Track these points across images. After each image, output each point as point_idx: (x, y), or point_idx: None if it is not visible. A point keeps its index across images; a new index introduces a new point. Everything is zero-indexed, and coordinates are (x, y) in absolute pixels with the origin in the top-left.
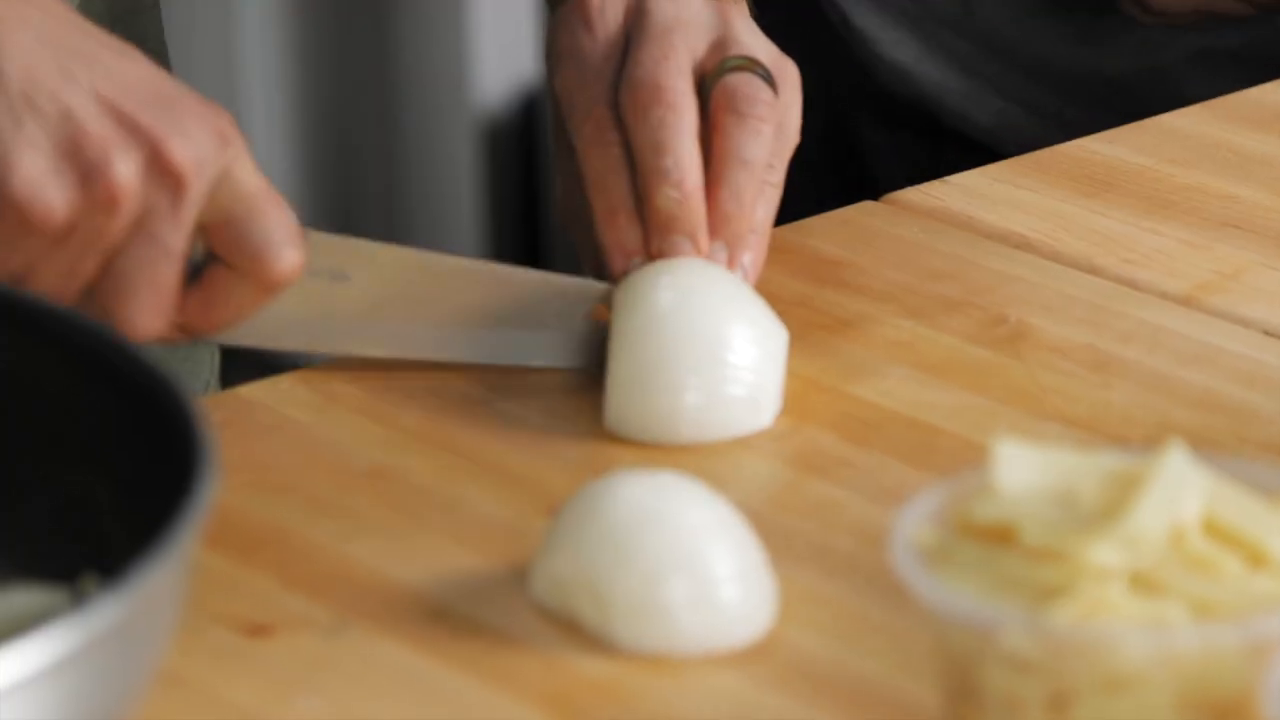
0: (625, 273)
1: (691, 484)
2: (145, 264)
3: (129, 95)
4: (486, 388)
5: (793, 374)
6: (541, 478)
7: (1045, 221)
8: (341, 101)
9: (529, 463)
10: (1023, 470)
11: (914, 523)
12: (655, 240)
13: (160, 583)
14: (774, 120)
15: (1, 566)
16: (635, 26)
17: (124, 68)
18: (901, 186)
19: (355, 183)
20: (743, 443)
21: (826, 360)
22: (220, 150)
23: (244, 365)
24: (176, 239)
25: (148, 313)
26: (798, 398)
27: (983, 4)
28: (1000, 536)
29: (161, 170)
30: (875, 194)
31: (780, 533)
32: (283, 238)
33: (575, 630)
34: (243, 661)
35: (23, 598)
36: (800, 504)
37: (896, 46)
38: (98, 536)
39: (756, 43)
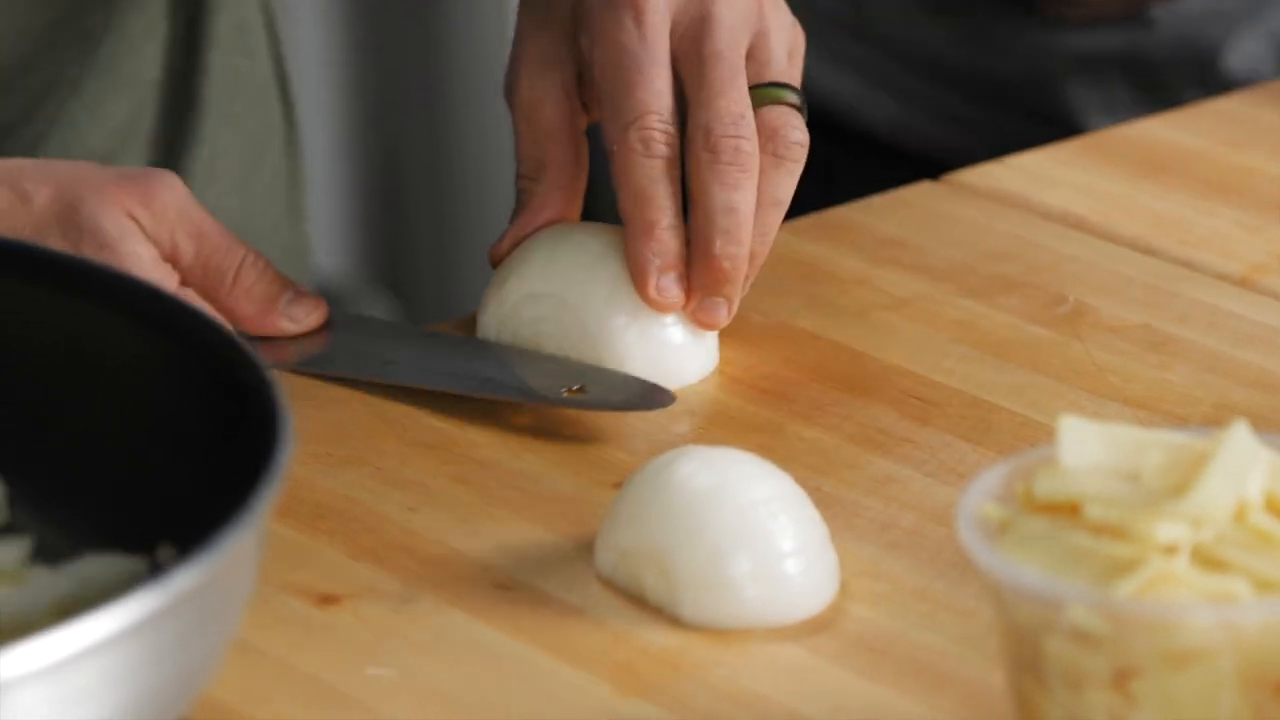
0: (654, 286)
1: (756, 459)
2: None
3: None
4: None
5: (855, 354)
6: (607, 451)
7: (1102, 203)
8: (389, 104)
9: (595, 436)
10: (1087, 446)
11: (979, 498)
12: (699, 292)
13: (237, 552)
14: (804, 158)
15: (80, 535)
16: (699, 48)
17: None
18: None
19: (401, 156)
20: (806, 418)
21: (886, 339)
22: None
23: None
24: None
25: None
26: (860, 377)
27: (872, 5)
28: (1065, 512)
29: None
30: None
31: (843, 508)
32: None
33: (640, 603)
34: (311, 631)
35: (101, 565)
36: (862, 480)
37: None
38: (174, 506)
39: (783, 23)
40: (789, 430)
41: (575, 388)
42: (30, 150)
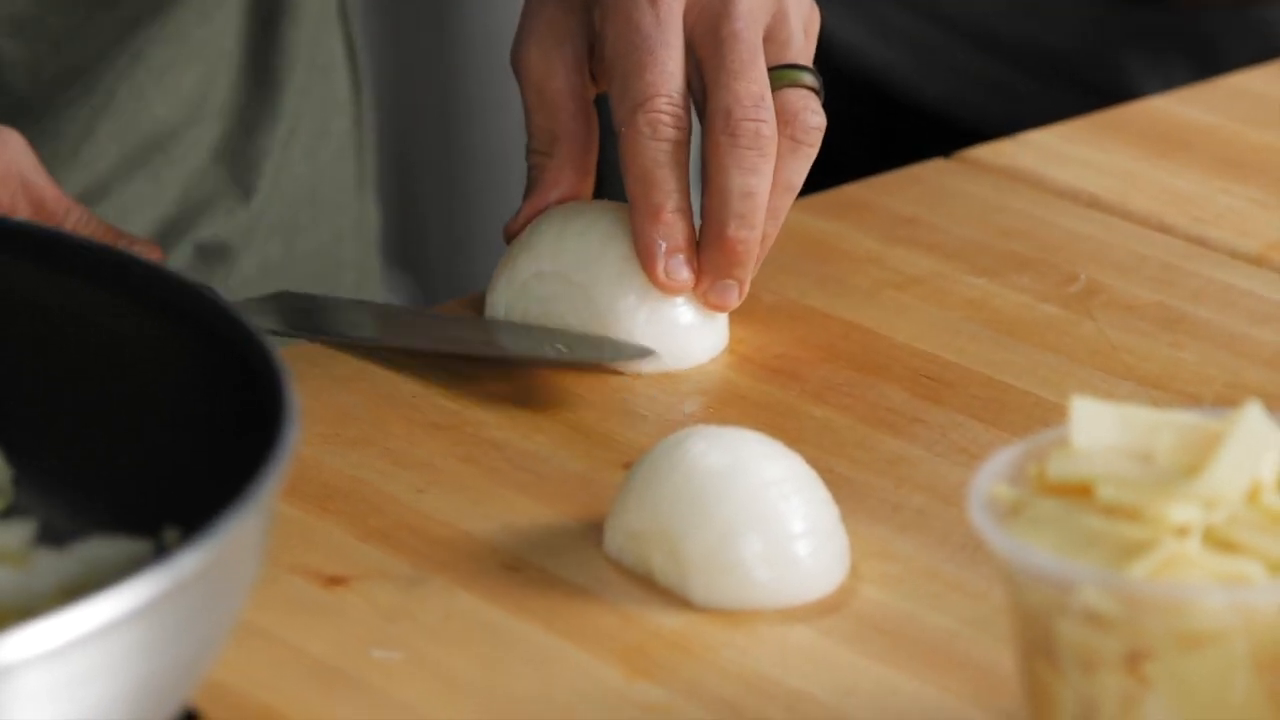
0: (662, 269)
1: (767, 440)
2: None
3: None
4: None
5: (865, 332)
6: (616, 432)
7: (1117, 180)
8: (400, 81)
9: (604, 417)
10: (1099, 427)
11: (990, 479)
12: (710, 275)
13: (243, 533)
14: (819, 142)
15: (85, 517)
16: (716, 28)
17: None
18: (859, 163)
19: (414, 136)
20: (817, 397)
21: (897, 318)
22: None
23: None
24: None
25: None
26: (870, 355)
27: None
28: (1077, 493)
29: None
30: (831, 172)
31: (854, 489)
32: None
33: (650, 585)
34: (319, 612)
35: (106, 548)
36: (873, 461)
37: (843, 25)
38: (179, 488)
39: (801, 2)
40: (800, 410)
41: (561, 346)
42: (94, 120)
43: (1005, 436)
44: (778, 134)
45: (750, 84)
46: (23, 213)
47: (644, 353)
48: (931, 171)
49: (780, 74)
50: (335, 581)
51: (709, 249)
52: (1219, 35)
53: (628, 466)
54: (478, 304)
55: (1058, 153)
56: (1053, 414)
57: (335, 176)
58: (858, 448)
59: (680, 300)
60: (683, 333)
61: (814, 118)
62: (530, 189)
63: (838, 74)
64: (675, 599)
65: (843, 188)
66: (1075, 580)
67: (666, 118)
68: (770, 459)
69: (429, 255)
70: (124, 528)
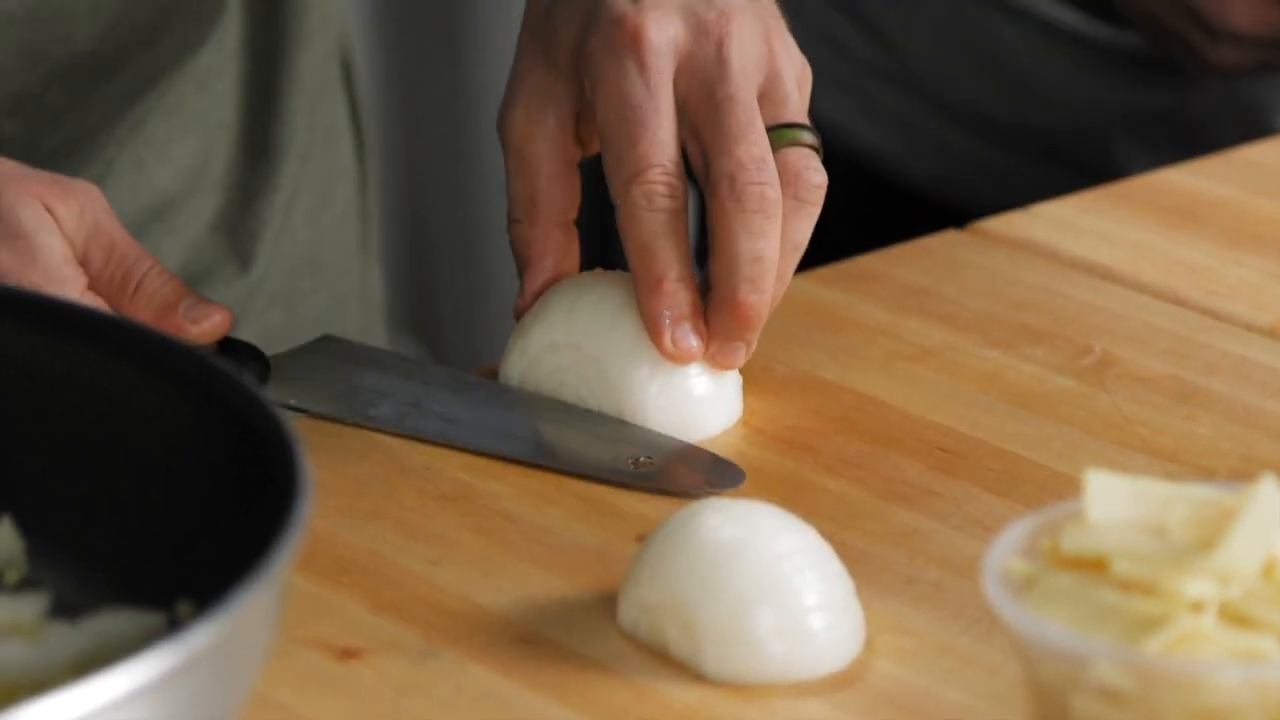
0: (669, 339)
1: (780, 512)
2: None
3: None
4: None
5: (878, 404)
6: (629, 504)
7: (1129, 252)
8: (413, 110)
9: (616, 489)
10: (1113, 501)
11: (1004, 553)
12: (720, 338)
13: (256, 607)
14: (822, 200)
15: (98, 590)
16: (711, 93)
17: None
18: (847, 243)
19: (426, 199)
20: (830, 470)
21: (911, 390)
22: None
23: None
24: None
25: None
26: (883, 428)
27: (917, 59)
28: (1092, 567)
29: None
30: (817, 250)
31: (868, 562)
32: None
33: (664, 658)
34: (332, 685)
35: (119, 621)
36: (887, 533)
37: (831, 105)
38: (193, 561)
39: (793, 60)
40: (813, 482)
41: (642, 459)
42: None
43: (1019, 509)
44: (781, 195)
45: (751, 146)
46: (94, 262)
47: (734, 481)
48: (943, 243)
49: (779, 133)
50: (349, 655)
51: (719, 313)
52: (1208, 116)
53: (641, 539)
54: (490, 376)
55: (1070, 225)
56: (1066, 487)
57: (338, 241)
58: (872, 520)
59: (693, 372)
60: (696, 404)
61: (816, 175)
62: (522, 266)
63: (826, 153)
64: (689, 672)
65: (855, 259)
66: (1090, 655)
67: (661, 188)
68: (784, 532)
69: (439, 321)
70: (137, 600)
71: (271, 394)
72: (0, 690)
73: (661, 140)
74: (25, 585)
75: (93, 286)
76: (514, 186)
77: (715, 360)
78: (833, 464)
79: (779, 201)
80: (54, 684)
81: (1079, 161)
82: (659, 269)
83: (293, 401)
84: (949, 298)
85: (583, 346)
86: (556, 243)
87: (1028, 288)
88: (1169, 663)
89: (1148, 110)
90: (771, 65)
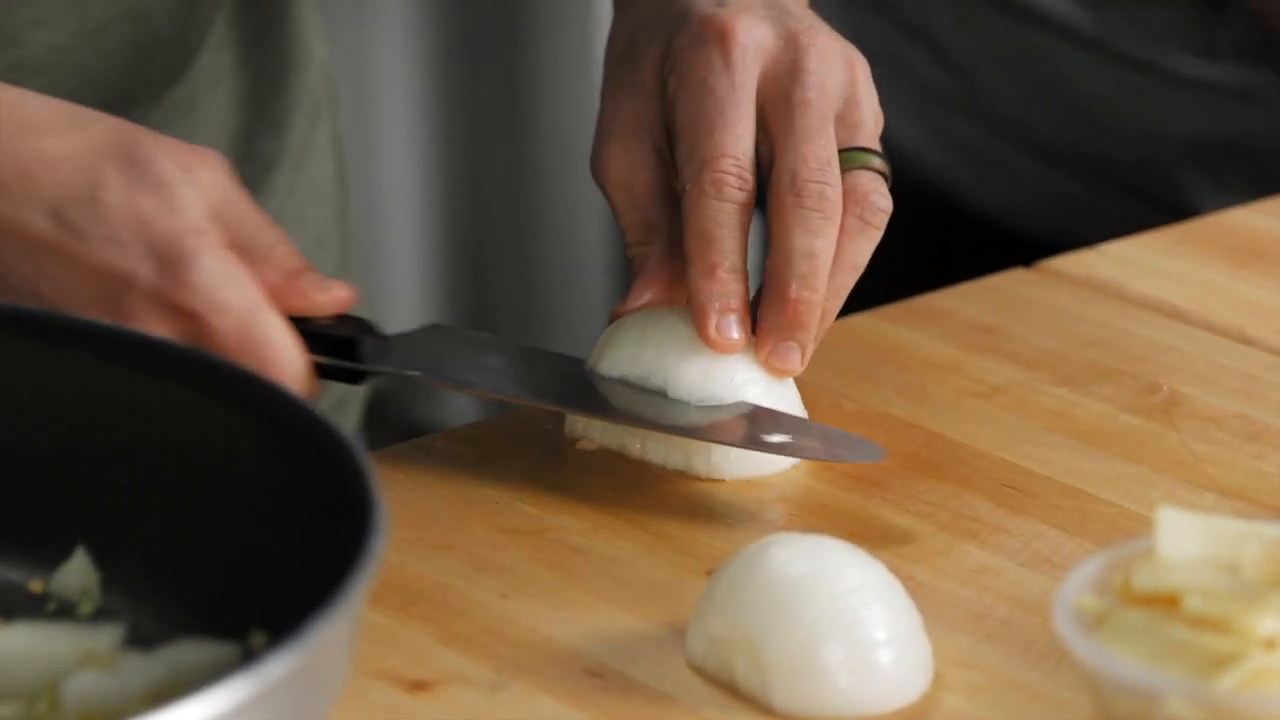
0: (714, 326)
1: (849, 547)
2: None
3: (74, 299)
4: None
5: (947, 441)
6: (698, 538)
7: (1197, 291)
8: (474, 137)
9: (685, 523)
10: (1185, 538)
11: (1076, 589)
12: (773, 336)
13: (332, 638)
14: (885, 225)
15: (171, 620)
16: (788, 95)
17: (81, 254)
18: (916, 272)
19: (486, 219)
20: (898, 506)
21: (979, 427)
22: (183, 329)
23: (383, 429)
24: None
25: None
26: (952, 464)
27: (987, 87)
28: (1164, 604)
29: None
30: (887, 280)
31: (936, 598)
32: (270, 360)
33: (732, 691)
34: (402, 717)
35: (193, 652)
36: (956, 569)
37: (902, 133)
38: (267, 592)
39: (871, 95)
40: (881, 518)
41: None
42: None
43: (1088, 546)
44: (846, 213)
45: (818, 149)
46: (227, 226)
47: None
48: (1011, 281)
49: (851, 155)
50: (418, 687)
51: (771, 309)
52: (1275, 145)
53: (710, 573)
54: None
55: (1138, 263)
56: (1136, 524)
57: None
58: (940, 556)
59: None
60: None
61: (882, 200)
62: (639, 274)
63: (896, 182)
64: (757, 706)
65: (923, 296)
66: (1162, 692)
67: (732, 179)
68: (852, 566)
69: (495, 322)
70: (210, 630)
71: (394, 364)
72: (78, 718)
73: (739, 135)
74: (100, 615)
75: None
76: (626, 218)
77: (770, 363)
78: (901, 500)
79: (838, 204)
80: (129, 713)
81: (1147, 193)
82: (715, 256)
83: (415, 372)
84: (1017, 335)
85: (650, 380)
86: (677, 264)
87: (1095, 326)
88: (1241, 699)
89: (1217, 141)
90: (852, 90)
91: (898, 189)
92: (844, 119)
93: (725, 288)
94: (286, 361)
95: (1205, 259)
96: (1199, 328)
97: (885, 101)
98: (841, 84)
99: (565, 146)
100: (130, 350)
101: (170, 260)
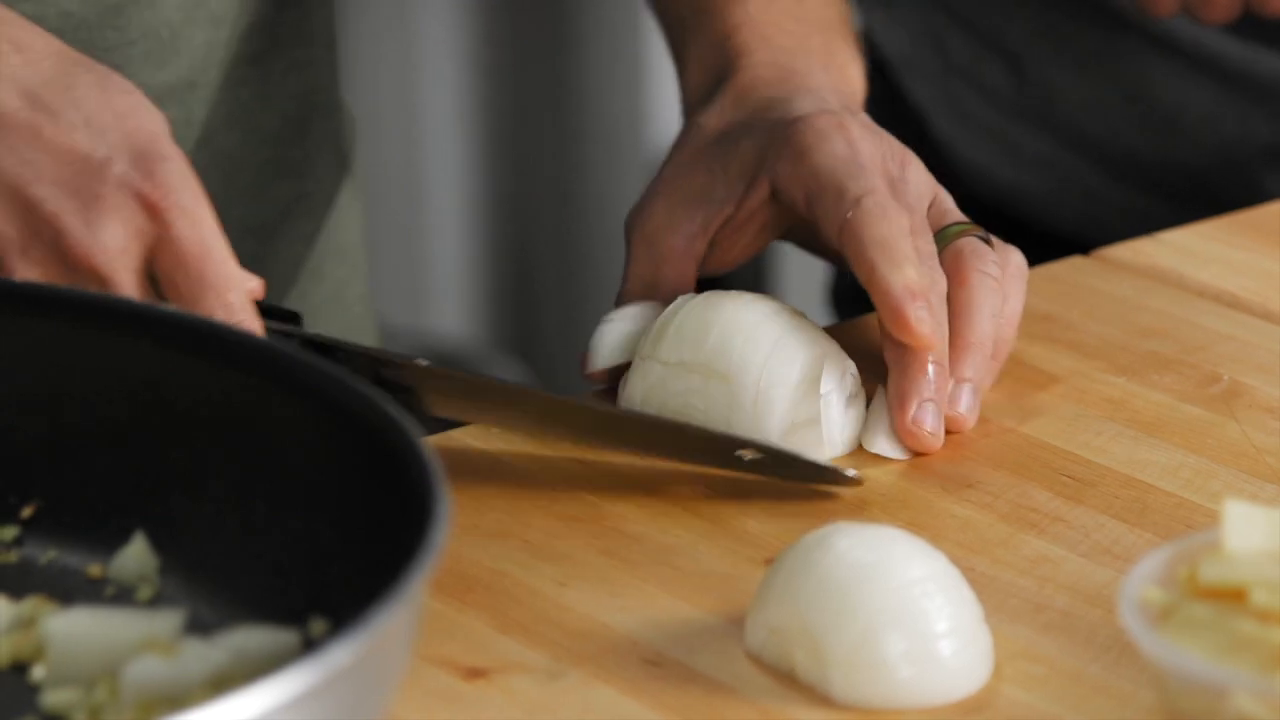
0: (914, 316)
1: (909, 537)
2: None
3: (40, 179)
4: None
5: (1006, 431)
6: (757, 527)
7: (1257, 280)
8: (520, 143)
9: (743, 512)
10: (1251, 531)
11: (1141, 582)
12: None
13: (395, 625)
14: (998, 274)
15: (229, 607)
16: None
17: (44, 138)
18: None
19: (531, 223)
20: (958, 496)
21: (1039, 416)
22: (142, 228)
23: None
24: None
25: None
26: (1011, 454)
27: (1063, 97)
28: (1230, 597)
29: (75, 266)
30: None
31: (996, 589)
32: (226, 307)
33: (790, 681)
34: (460, 704)
35: (255, 638)
36: (1016, 560)
37: (975, 148)
38: (327, 579)
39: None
40: (939, 508)
41: (751, 453)
42: None
43: (1149, 538)
44: (956, 270)
45: (928, 242)
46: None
47: (850, 480)
48: (1069, 269)
49: (950, 230)
50: (475, 674)
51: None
52: None
53: (768, 562)
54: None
55: (1196, 252)
56: (1197, 516)
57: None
58: (1000, 547)
59: (826, 389)
60: (829, 425)
61: (986, 252)
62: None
63: (967, 196)
64: (816, 696)
65: None
66: (1229, 687)
67: (893, 206)
68: (914, 557)
69: (544, 344)
70: (268, 617)
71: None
72: (137, 705)
73: (886, 177)
74: (158, 601)
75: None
76: (635, 268)
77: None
78: (959, 489)
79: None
80: (190, 701)
81: (1226, 199)
82: (901, 255)
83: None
84: (1075, 324)
85: (711, 365)
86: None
87: (1155, 315)
88: None
89: None
90: (937, 192)
91: (970, 204)
92: (935, 206)
93: (915, 280)
94: (237, 282)
95: (1265, 248)
96: (1259, 317)
97: (959, 117)
98: (930, 185)
99: (611, 153)
100: (189, 336)
101: (145, 155)
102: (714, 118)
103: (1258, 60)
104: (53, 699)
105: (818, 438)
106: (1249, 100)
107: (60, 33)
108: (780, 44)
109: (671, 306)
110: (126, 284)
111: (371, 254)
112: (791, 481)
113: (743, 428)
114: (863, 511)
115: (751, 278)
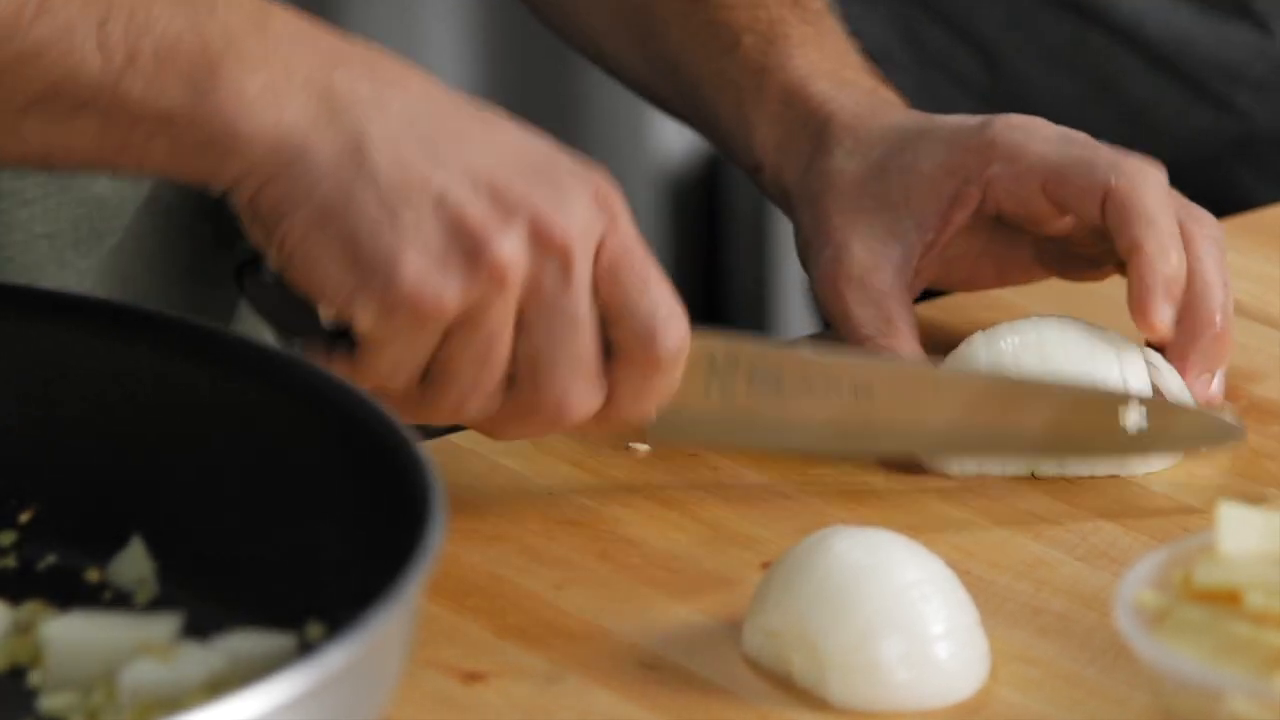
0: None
1: (906, 541)
2: (558, 337)
3: (501, 169)
4: None
5: None
6: (754, 530)
7: (1257, 284)
8: None
9: (741, 515)
10: (1246, 534)
11: (1137, 585)
12: (1199, 368)
13: (390, 629)
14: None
15: (228, 610)
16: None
17: (492, 139)
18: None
19: None
20: (955, 502)
21: None
22: (599, 216)
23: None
24: (579, 306)
25: (576, 387)
26: None
27: (1035, 88)
28: (1224, 600)
29: (545, 243)
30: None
31: (992, 592)
32: (665, 314)
33: (788, 685)
34: (457, 708)
35: (251, 642)
36: (1012, 563)
37: None
38: (324, 583)
39: None
40: (938, 511)
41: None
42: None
43: (1145, 541)
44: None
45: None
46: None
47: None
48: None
49: None
50: (473, 678)
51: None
52: None
53: (765, 565)
54: None
55: None
56: (1193, 519)
57: None
58: (996, 550)
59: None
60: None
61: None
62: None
63: None
64: (813, 699)
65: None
66: (1224, 689)
67: (1146, 166)
68: (910, 560)
69: None
70: (267, 621)
71: None
72: (135, 709)
73: None
74: (156, 605)
75: None
76: (860, 312)
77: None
78: (955, 493)
79: None
80: (186, 704)
81: (1202, 192)
82: (1168, 237)
83: None
84: None
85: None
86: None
87: None
88: None
89: (1261, 136)
90: None
91: None
92: None
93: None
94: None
95: (1261, 252)
96: (1257, 321)
97: (934, 108)
98: None
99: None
100: (187, 341)
101: (605, 201)
102: (840, 161)
103: (1224, 51)
104: (50, 703)
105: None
106: (1218, 92)
107: None
108: (851, 87)
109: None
110: (585, 267)
111: None
112: (1166, 450)
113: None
114: (858, 515)
115: (752, 286)
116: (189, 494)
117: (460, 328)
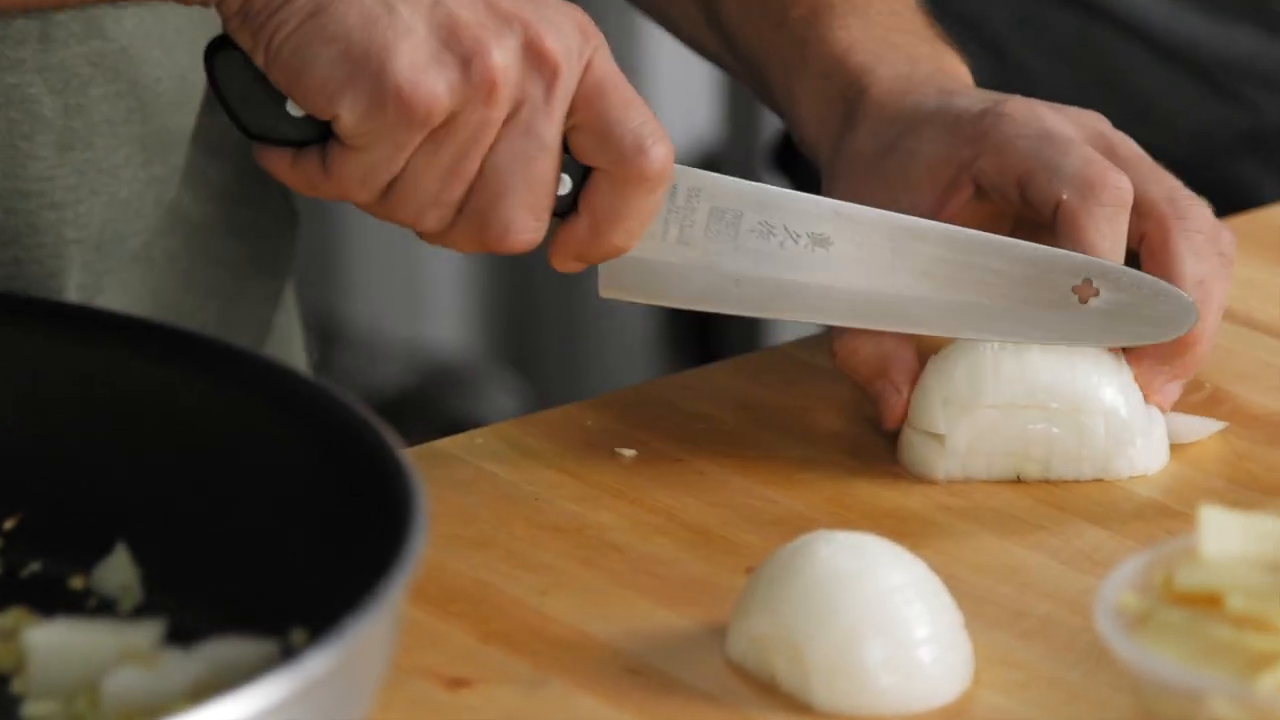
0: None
1: (889, 545)
2: (521, 159)
3: None
4: (680, 445)
5: None
6: (738, 535)
7: (1240, 288)
8: None
9: (725, 520)
10: (1228, 537)
11: (1118, 588)
12: (1164, 378)
13: (371, 635)
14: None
15: (212, 617)
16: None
17: None
18: None
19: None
20: (938, 506)
21: None
22: (584, 42)
23: (423, 425)
24: (550, 131)
25: (525, 211)
26: None
27: (1041, 84)
28: (1206, 603)
29: (535, 57)
30: None
31: (976, 596)
32: (651, 130)
33: (772, 689)
34: (442, 714)
35: (234, 649)
36: (995, 567)
37: None
38: (307, 589)
39: None
40: (922, 515)
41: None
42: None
43: (1129, 544)
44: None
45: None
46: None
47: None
48: None
49: None
50: (457, 684)
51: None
52: None
53: (750, 570)
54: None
55: None
56: (1176, 523)
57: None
58: (980, 554)
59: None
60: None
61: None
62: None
63: None
64: (797, 704)
65: None
66: (1205, 692)
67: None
68: (894, 565)
69: (541, 358)
70: (250, 628)
71: None
72: (117, 716)
73: None
74: (140, 612)
75: None
76: (864, 347)
77: (1154, 398)
78: (939, 497)
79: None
80: (170, 710)
81: (1204, 187)
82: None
83: None
84: None
85: (1050, 404)
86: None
87: None
88: None
89: (1267, 131)
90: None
91: None
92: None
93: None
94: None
95: (1248, 255)
96: (1242, 325)
97: None
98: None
99: None
100: (170, 347)
101: (587, 31)
102: (862, 140)
103: (1231, 46)
104: (34, 710)
105: (1162, 436)
106: (1222, 87)
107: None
108: (894, 58)
109: (955, 352)
110: (568, 90)
111: (368, 267)
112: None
113: (1097, 456)
114: (842, 519)
115: None
116: (172, 501)
117: (436, 135)
